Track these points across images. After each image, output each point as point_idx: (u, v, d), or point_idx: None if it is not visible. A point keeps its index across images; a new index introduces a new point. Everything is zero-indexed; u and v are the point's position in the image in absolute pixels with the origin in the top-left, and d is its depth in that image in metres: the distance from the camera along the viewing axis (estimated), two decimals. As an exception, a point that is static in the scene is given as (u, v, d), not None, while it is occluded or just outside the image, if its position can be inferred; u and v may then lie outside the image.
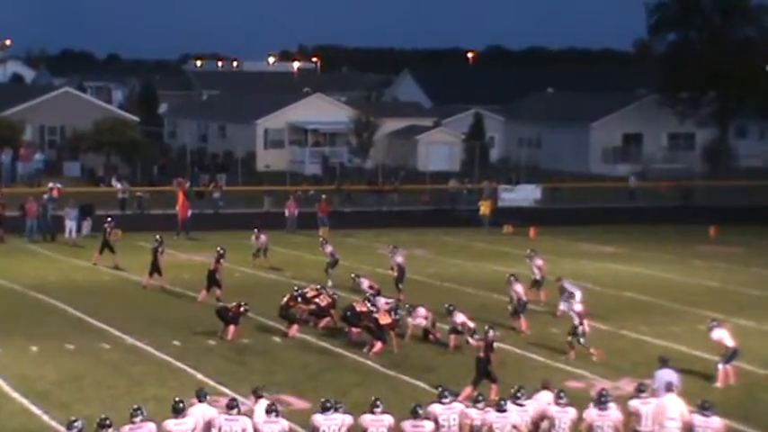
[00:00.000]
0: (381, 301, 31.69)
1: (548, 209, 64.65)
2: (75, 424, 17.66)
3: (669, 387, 21.23)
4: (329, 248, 40.38)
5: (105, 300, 35.86)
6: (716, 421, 19.47)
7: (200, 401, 19.46)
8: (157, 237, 39.21)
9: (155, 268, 37.98)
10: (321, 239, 42.63)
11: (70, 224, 49.48)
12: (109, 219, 44.61)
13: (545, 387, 20.77)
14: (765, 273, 43.43)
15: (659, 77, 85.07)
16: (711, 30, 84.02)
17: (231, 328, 30.67)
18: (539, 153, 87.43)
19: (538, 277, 36.43)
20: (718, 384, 26.53)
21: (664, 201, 67.33)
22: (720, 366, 26.79)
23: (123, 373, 26.74)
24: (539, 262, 36.79)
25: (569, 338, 29.38)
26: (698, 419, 19.44)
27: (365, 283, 35.00)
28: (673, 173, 78.90)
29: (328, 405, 18.87)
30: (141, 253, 43.63)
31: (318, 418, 18.77)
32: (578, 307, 33.40)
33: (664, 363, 23.50)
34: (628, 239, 51.96)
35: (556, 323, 32.79)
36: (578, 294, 33.73)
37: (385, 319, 29.89)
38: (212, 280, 35.99)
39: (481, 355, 24.94)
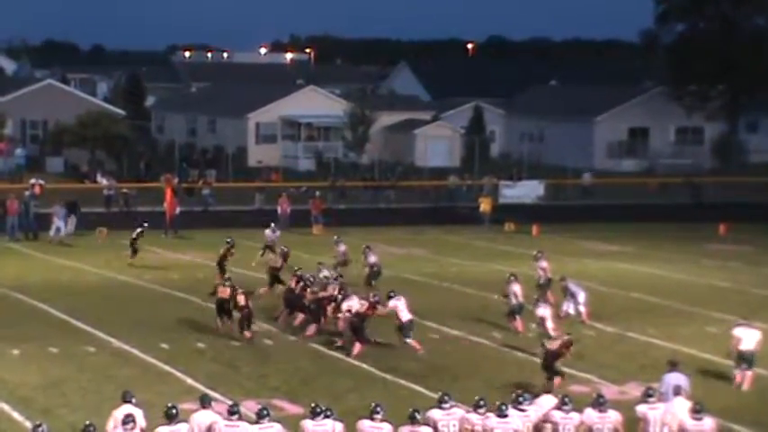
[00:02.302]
0: (355, 299, 31.12)
1: (551, 206, 64.68)
2: (40, 429, 17.70)
3: (677, 390, 21.25)
4: (342, 248, 40.39)
5: (90, 301, 35.82)
6: (708, 423, 19.55)
7: (203, 408, 19.44)
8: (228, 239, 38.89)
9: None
10: (335, 237, 42.37)
11: (58, 223, 49.40)
12: (145, 224, 44.55)
13: (547, 391, 20.79)
14: (777, 272, 43.48)
15: (667, 69, 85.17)
16: (722, 19, 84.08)
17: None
18: (541, 148, 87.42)
19: (542, 281, 36.19)
20: (744, 387, 26.77)
21: (671, 198, 67.38)
22: (737, 371, 26.95)
23: (109, 377, 26.69)
24: (543, 264, 36.61)
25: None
26: (690, 423, 19.50)
27: (324, 272, 34.61)
28: (681, 168, 78.97)
29: (318, 411, 18.88)
30: (127, 252, 43.59)
31: (307, 424, 18.77)
32: (582, 309, 33.54)
33: (673, 366, 23.50)
34: (634, 238, 51.97)
35: (559, 325, 32.76)
36: (582, 296, 33.78)
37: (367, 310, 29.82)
38: (276, 278, 36.18)
39: (553, 348, 25.89)
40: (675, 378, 22.78)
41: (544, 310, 30.59)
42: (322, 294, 31.61)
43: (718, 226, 54.23)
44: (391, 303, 30.02)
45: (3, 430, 21.85)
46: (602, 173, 78.27)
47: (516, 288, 32.74)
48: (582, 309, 33.68)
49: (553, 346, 26.38)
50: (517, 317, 32.52)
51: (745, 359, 26.95)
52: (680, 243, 50.74)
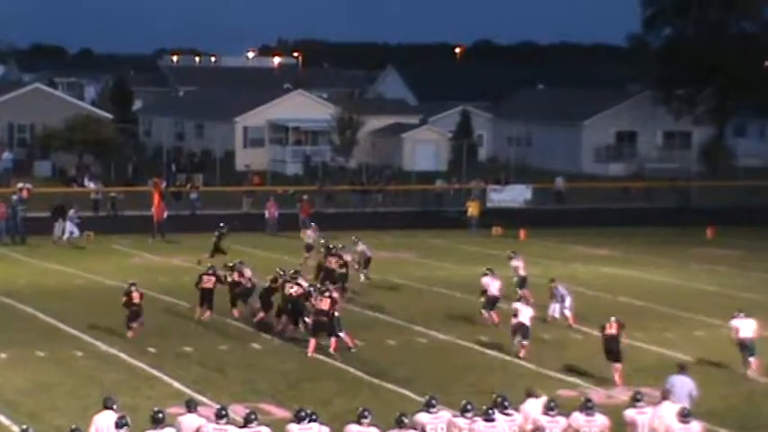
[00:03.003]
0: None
1: (538, 210, 64.71)
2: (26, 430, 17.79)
3: (666, 395, 21.27)
4: (361, 246, 40.77)
5: (78, 305, 35.77)
6: (695, 427, 19.60)
7: (189, 411, 19.44)
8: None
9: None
10: (354, 238, 42.45)
11: (71, 226, 49.87)
12: (221, 224, 44.73)
13: (529, 395, 20.76)
14: (765, 276, 43.50)
15: (654, 73, 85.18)
16: (709, 24, 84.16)
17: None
18: (529, 152, 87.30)
19: (515, 279, 36.72)
20: (755, 374, 28.24)
21: (659, 202, 67.46)
22: (752, 359, 28.39)
23: (96, 381, 26.66)
24: (515, 263, 37.25)
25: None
26: (677, 427, 19.54)
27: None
28: (668, 173, 78.99)
29: (303, 415, 18.87)
30: (115, 256, 43.61)
31: (293, 428, 18.75)
32: (568, 313, 33.56)
33: (682, 369, 23.60)
34: (622, 242, 52.03)
35: (546, 329, 32.80)
36: (569, 300, 33.81)
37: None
38: (330, 275, 36.57)
39: (613, 332, 27.59)
40: (682, 381, 22.97)
41: (519, 305, 30.88)
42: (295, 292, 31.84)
43: (706, 230, 54.32)
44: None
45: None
46: (589, 177, 78.42)
47: (488, 280, 33.70)
48: (568, 313, 33.73)
49: (611, 329, 27.74)
50: (492, 311, 33.42)
51: (746, 347, 28.42)
52: (667, 247, 50.80)
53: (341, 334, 30.09)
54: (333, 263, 37.36)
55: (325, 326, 29.93)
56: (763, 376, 28.32)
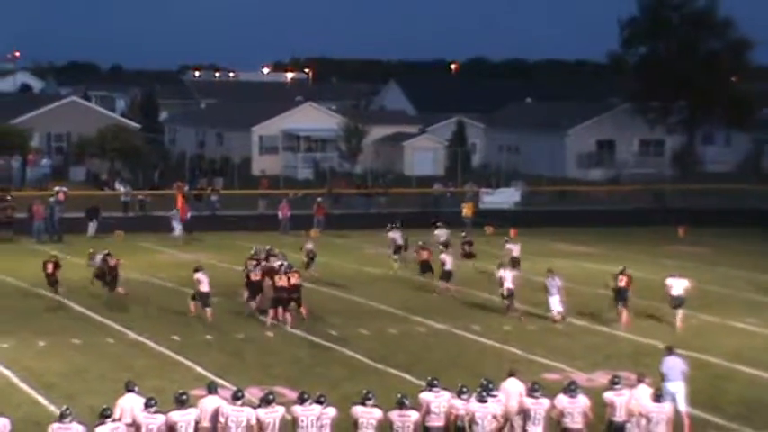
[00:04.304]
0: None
1: (526, 211, 64.64)
2: (68, 412, 17.81)
3: (640, 378, 21.29)
4: (393, 234, 42.63)
5: (109, 296, 35.65)
6: (668, 407, 19.62)
7: (210, 394, 19.41)
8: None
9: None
10: (388, 225, 44.40)
11: (176, 225, 51.27)
12: (396, 222, 45.29)
13: (511, 374, 20.80)
14: (730, 272, 43.51)
15: (631, 87, 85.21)
16: (680, 43, 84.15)
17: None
18: (517, 158, 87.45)
19: (506, 258, 38.89)
20: (679, 325, 31.96)
21: (635, 203, 67.41)
22: (679, 311, 32.20)
23: (126, 366, 26.66)
24: (509, 246, 40.92)
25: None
26: (652, 406, 19.55)
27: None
28: (644, 177, 79.05)
29: (306, 397, 18.88)
30: (142, 252, 43.60)
31: (297, 409, 18.76)
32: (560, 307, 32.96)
33: (670, 351, 23.61)
34: (602, 240, 52.01)
35: (532, 321, 32.80)
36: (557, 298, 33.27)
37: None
38: (427, 267, 38.85)
39: (623, 285, 32.49)
40: (673, 361, 23.03)
41: (504, 272, 33.94)
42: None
43: (678, 229, 54.29)
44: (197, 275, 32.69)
45: (29, 413, 21.82)
46: (572, 181, 78.42)
47: (446, 257, 37.16)
48: (559, 308, 33.25)
49: (621, 282, 32.58)
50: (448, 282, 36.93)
51: (676, 301, 32.35)
52: (642, 245, 50.76)
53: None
54: (425, 255, 39.11)
55: (284, 300, 31.57)
56: (727, 361, 28.35)
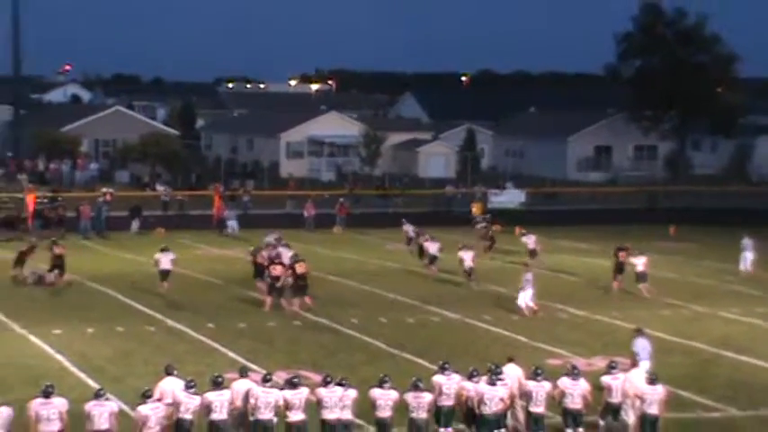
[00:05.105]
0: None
1: (531, 210, 64.46)
2: (102, 392, 18.05)
3: (635, 362, 21.27)
4: (406, 227, 44.33)
5: (150, 288, 35.82)
6: (660, 389, 19.55)
7: (242, 377, 19.44)
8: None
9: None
10: (403, 219, 46.53)
11: (232, 223, 51.83)
12: (489, 218, 47.15)
13: (510, 360, 20.81)
14: (716, 266, 43.36)
15: (627, 97, 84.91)
16: (671, 57, 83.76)
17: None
18: (522, 162, 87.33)
19: (531, 247, 41.24)
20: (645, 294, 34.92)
21: (630, 204, 67.18)
22: (640, 286, 35.16)
23: (166, 351, 26.72)
24: (525, 239, 41.90)
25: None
26: (647, 388, 19.50)
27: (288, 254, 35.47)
28: (638, 179, 78.85)
29: (329, 380, 18.92)
30: (181, 248, 43.61)
31: (321, 391, 18.80)
32: (530, 303, 32.38)
33: (639, 332, 23.90)
34: (600, 237, 51.78)
35: (542, 309, 32.72)
36: (530, 292, 32.63)
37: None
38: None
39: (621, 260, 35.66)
40: (643, 342, 23.34)
41: (464, 254, 36.83)
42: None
43: (669, 227, 54.10)
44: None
45: (82, 394, 21.87)
46: (573, 183, 78.22)
47: (429, 244, 39.46)
48: (531, 303, 32.25)
49: (621, 257, 35.74)
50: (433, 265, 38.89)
51: (639, 276, 35.31)
52: (637, 241, 50.15)
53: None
54: (432, 249, 39.93)
55: (279, 289, 32.20)
56: (714, 347, 28.29)
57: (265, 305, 32.22)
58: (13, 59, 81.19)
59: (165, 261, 35.06)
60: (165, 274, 34.95)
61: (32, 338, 28.29)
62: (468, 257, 37.20)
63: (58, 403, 17.67)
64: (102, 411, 17.67)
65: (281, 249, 35.58)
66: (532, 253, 41.05)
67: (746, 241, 41.57)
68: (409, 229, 45.04)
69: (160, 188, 63.46)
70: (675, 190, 71.03)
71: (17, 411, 17.65)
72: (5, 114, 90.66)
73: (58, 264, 36.12)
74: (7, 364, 25.33)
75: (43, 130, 77.70)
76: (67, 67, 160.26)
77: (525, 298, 32.25)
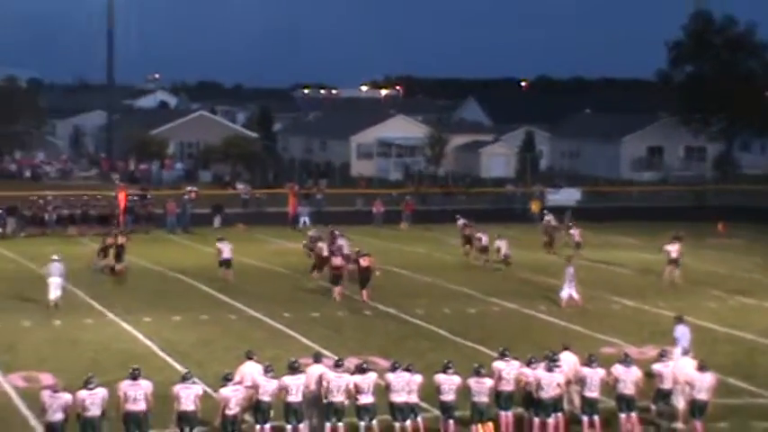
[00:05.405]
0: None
1: (586, 207, 64.00)
2: (188, 374, 18.47)
3: (686, 352, 21.14)
4: (461, 222, 43.74)
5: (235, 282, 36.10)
6: (708, 378, 19.40)
7: (316, 362, 19.58)
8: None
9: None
10: (457, 216, 45.91)
11: (305, 218, 52.03)
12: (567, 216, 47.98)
13: (566, 348, 20.75)
14: (764, 261, 42.81)
15: (678, 101, 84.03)
16: (721, 63, 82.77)
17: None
18: (578, 162, 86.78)
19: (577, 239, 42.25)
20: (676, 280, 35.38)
21: (680, 202, 66.50)
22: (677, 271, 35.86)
23: (246, 338, 26.89)
24: (571, 231, 43.31)
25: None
26: (697, 376, 19.37)
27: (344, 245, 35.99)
28: (688, 179, 78.03)
29: (396, 365, 19.05)
30: (258, 243, 43.99)
31: (389, 376, 18.91)
32: (575, 295, 31.88)
33: (679, 320, 23.90)
34: (650, 233, 51.26)
35: (591, 301, 32.54)
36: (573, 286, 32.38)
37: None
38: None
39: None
40: (683, 329, 23.39)
41: (500, 242, 38.43)
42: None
43: (717, 224, 53.46)
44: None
45: (168, 377, 22.22)
46: (627, 182, 77.59)
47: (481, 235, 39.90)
48: (575, 295, 31.84)
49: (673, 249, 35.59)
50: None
51: (672, 261, 35.91)
52: (686, 237, 49.97)
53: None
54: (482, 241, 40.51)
55: (341, 278, 32.52)
56: (761, 337, 27.96)
57: (334, 294, 32.36)
58: (107, 69, 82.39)
59: (227, 250, 35.64)
60: (227, 263, 35.52)
61: (125, 325, 28.71)
62: (503, 245, 38.47)
63: (145, 385, 17.97)
64: (189, 393, 17.96)
65: (340, 242, 35.78)
66: (578, 245, 41.71)
67: None
68: (461, 224, 43.57)
69: (240, 187, 63.99)
70: (724, 189, 70.14)
71: (111, 392, 17.98)
72: (100, 119, 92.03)
73: (119, 252, 36.72)
74: (103, 349, 25.77)
75: (134, 134, 78.79)
76: (156, 76, 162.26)
77: (568, 290, 32.06)
